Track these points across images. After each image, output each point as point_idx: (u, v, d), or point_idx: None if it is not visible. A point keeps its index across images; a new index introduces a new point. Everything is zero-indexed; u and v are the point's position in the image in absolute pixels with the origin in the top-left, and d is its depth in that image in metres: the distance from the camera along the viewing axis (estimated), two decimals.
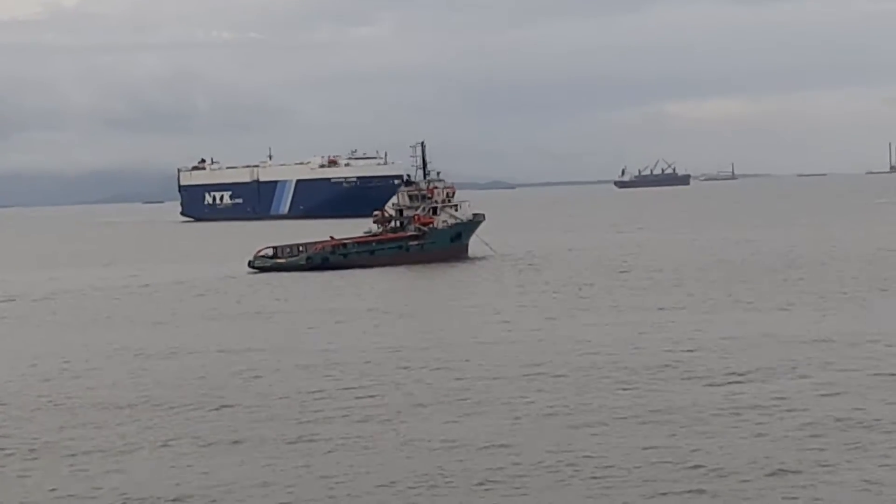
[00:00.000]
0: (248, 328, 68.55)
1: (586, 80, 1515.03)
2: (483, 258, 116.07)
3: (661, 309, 69.95)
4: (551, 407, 42.15)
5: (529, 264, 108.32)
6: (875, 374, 46.54)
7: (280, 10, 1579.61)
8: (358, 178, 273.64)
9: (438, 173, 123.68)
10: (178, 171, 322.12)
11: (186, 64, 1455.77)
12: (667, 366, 49.60)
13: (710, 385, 45.44)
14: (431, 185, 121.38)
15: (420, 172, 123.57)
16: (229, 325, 70.79)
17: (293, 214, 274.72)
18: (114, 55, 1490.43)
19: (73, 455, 38.00)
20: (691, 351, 53.60)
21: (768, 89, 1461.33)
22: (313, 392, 46.61)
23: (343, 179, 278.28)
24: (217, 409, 44.18)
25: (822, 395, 42.91)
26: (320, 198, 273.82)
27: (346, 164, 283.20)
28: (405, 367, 51.66)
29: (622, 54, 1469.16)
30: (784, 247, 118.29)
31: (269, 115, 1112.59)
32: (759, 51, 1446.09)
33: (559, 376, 48.15)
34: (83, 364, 56.35)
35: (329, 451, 37.19)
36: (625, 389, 45.13)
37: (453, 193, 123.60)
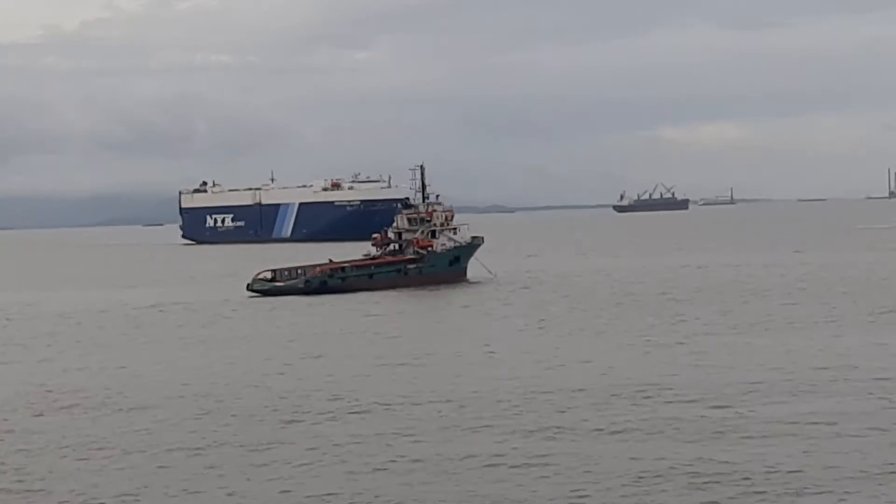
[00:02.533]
0: (236, 351, 68.54)
1: (585, 104, 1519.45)
2: (482, 281, 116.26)
3: (651, 330, 70.36)
4: (533, 430, 42.24)
5: (527, 288, 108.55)
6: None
7: (278, 34, 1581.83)
8: (361, 201, 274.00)
9: (437, 196, 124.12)
10: (180, 193, 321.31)
11: (185, 87, 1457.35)
12: (657, 386, 49.92)
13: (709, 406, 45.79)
14: (430, 209, 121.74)
15: (419, 195, 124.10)
16: (219, 347, 70.75)
17: (296, 238, 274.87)
18: (113, 79, 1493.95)
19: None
20: (676, 374, 53.93)
21: (767, 114, 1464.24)
22: (290, 415, 46.80)
23: (346, 203, 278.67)
24: (192, 438, 44.44)
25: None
26: (323, 221, 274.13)
27: (350, 188, 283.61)
28: (390, 391, 51.62)
29: (621, 78, 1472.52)
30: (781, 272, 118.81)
31: (268, 138, 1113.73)
32: (757, 75, 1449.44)
33: (545, 399, 48.21)
34: (58, 386, 56.49)
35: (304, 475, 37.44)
36: (599, 411, 45.40)
37: (452, 216, 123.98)
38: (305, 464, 38.60)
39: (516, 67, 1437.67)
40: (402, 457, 38.91)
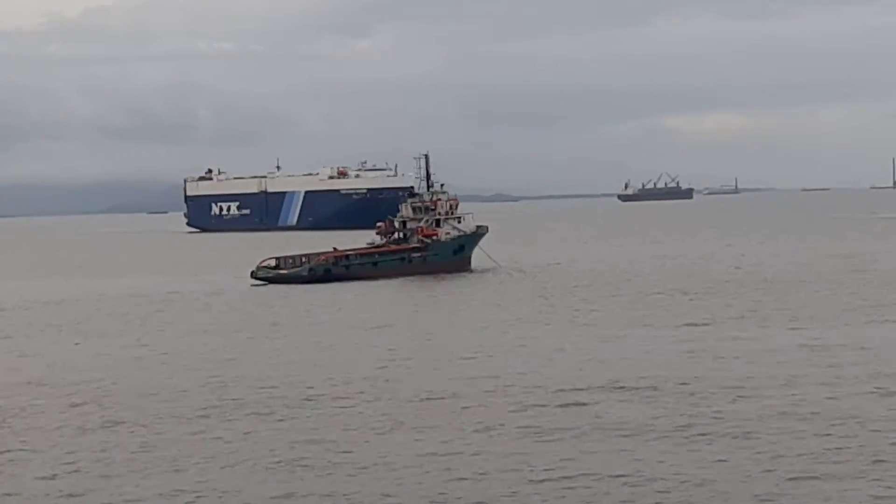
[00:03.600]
0: (235, 339, 68.77)
1: (589, 93, 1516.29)
2: (486, 271, 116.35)
3: (647, 325, 70.65)
4: (527, 424, 42.03)
5: (531, 277, 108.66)
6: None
7: (280, 22, 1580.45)
8: (368, 189, 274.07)
9: (442, 185, 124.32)
10: (185, 181, 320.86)
11: (188, 75, 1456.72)
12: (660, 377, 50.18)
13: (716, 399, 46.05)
14: (435, 197, 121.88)
15: (423, 184, 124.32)
16: (220, 335, 70.98)
17: (302, 226, 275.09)
18: (116, 66, 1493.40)
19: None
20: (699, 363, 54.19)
21: (771, 103, 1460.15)
22: (275, 406, 46.87)
23: (353, 191, 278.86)
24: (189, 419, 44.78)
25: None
26: (330, 209, 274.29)
27: (356, 176, 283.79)
28: (387, 381, 51.72)
29: (624, 67, 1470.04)
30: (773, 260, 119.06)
31: (270, 127, 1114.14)
32: (761, 65, 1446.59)
33: (545, 391, 48.33)
34: (53, 374, 56.65)
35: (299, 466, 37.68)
36: (596, 404, 45.64)
37: (456, 205, 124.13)
38: (298, 455, 38.81)
39: (520, 56, 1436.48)
40: (382, 454, 38.66)
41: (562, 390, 48.07)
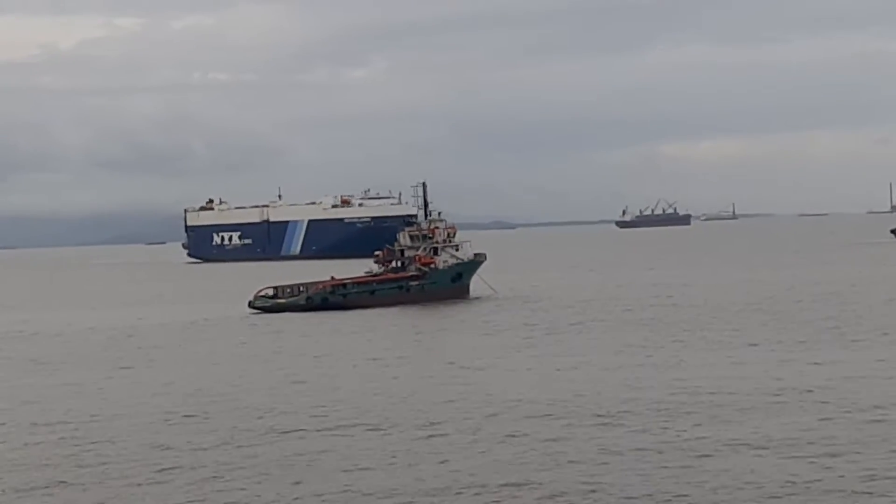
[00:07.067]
0: (228, 368, 69.11)
1: (586, 120, 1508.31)
2: (484, 299, 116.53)
3: (656, 349, 71.05)
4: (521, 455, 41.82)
5: (528, 305, 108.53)
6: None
7: (274, 52, 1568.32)
8: (371, 218, 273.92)
9: (440, 213, 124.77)
10: (185, 211, 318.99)
11: (183, 105, 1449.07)
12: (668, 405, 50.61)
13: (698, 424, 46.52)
14: (433, 225, 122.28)
15: (421, 212, 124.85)
16: (214, 364, 71.43)
17: (305, 255, 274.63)
18: (110, 97, 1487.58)
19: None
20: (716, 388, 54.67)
21: (767, 129, 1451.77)
22: (266, 433, 47.15)
23: (356, 219, 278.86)
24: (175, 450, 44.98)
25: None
26: (333, 238, 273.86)
27: (360, 205, 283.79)
28: (368, 411, 51.61)
29: (621, 94, 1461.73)
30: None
31: (266, 156, 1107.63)
32: (756, 91, 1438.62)
33: (537, 419, 48.54)
34: (47, 404, 56.67)
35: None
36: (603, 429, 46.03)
37: (454, 233, 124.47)
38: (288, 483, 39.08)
39: (517, 84, 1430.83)
40: (361, 480, 38.79)
41: (552, 417, 48.35)
